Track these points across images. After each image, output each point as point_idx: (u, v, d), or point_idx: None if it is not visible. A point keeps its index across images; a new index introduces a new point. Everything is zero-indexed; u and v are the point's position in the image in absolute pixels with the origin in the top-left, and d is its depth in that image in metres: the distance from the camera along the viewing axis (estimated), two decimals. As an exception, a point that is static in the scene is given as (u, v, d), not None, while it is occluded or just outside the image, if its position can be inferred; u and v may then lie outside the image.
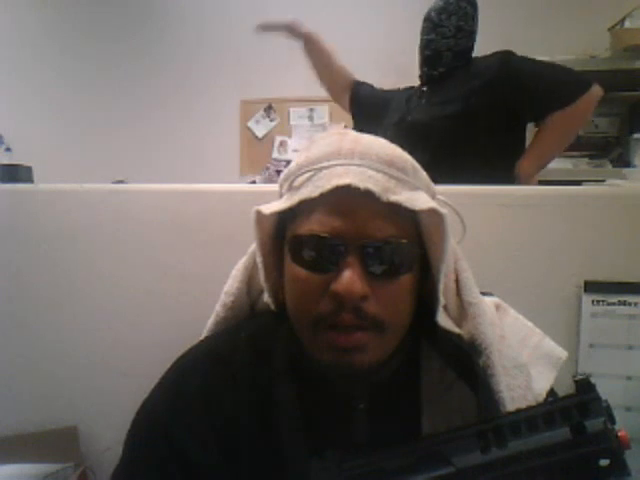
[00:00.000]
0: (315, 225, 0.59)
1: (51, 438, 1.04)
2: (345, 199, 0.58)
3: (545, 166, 1.69)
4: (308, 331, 0.60)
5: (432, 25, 1.73)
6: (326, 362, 0.60)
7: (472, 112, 1.62)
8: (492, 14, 2.50)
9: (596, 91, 1.56)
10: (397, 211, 0.58)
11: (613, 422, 0.50)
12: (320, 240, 0.58)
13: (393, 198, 0.58)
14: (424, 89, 1.79)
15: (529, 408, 0.53)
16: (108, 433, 1.03)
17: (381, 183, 0.58)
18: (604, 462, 0.48)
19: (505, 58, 1.64)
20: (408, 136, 1.65)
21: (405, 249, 0.60)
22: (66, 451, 1.02)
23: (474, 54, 1.76)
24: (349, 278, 0.56)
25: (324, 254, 0.58)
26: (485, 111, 1.62)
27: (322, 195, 0.58)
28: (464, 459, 0.50)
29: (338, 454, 0.53)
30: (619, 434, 0.49)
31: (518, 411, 0.53)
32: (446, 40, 1.72)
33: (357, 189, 0.56)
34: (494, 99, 1.61)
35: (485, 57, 1.72)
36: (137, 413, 0.67)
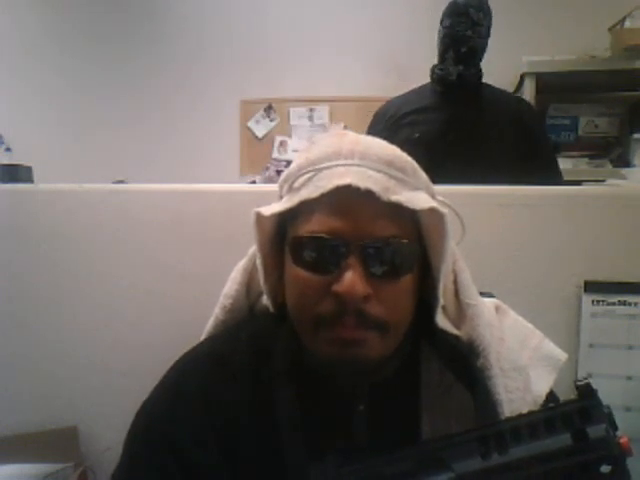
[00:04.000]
0: (316, 226, 0.59)
1: (51, 438, 1.04)
2: (346, 199, 0.57)
3: None
4: (309, 331, 0.60)
5: (471, 22, 1.67)
6: (328, 357, 0.59)
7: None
8: (493, 14, 2.50)
9: None
10: (397, 211, 0.58)
11: (615, 428, 0.49)
12: (321, 241, 0.58)
13: (394, 198, 0.58)
14: (454, 93, 1.73)
15: (530, 413, 0.52)
16: (108, 433, 1.02)
17: (381, 183, 0.58)
18: (605, 469, 0.48)
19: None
20: (468, 146, 1.68)
21: (406, 249, 0.60)
22: (66, 451, 1.02)
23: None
24: (351, 279, 0.56)
25: (325, 255, 0.58)
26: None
27: (322, 195, 0.57)
28: (464, 464, 0.50)
29: (337, 458, 0.52)
30: (621, 440, 0.48)
31: (519, 416, 0.52)
32: (481, 40, 1.69)
33: (357, 189, 0.56)
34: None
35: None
36: (137, 413, 0.67)
